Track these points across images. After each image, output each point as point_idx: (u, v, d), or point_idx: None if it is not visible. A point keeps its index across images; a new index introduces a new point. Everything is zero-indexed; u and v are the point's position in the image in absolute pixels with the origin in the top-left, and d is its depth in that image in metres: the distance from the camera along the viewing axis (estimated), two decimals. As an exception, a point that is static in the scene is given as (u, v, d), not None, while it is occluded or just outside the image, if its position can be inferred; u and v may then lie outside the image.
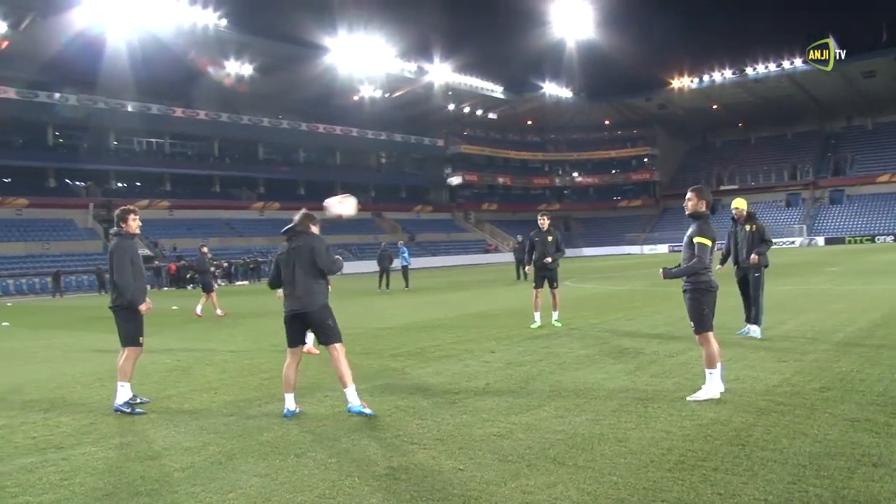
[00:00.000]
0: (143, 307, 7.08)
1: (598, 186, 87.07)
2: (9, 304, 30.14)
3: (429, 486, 4.29)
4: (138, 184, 55.37)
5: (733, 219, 10.21)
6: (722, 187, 76.38)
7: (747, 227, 9.97)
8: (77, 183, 52.57)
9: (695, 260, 6.22)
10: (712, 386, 6.17)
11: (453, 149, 79.53)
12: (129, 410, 6.79)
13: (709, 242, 6.24)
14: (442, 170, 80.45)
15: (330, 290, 7.03)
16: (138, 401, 7.07)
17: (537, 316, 12.21)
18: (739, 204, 10.24)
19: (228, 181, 60.78)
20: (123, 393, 6.91)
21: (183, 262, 41.68)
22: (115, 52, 44.87)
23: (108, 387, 7.98)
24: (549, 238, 12.35)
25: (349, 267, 51.03)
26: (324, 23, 54.06)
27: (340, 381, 6.23)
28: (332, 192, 49.35)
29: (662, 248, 67.87)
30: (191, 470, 4.88)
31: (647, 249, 72.03)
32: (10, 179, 49.34)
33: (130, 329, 7.11)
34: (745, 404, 5.90)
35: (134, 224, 7.26)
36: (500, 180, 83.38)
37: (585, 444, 4.97)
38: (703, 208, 6.39)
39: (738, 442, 4.86)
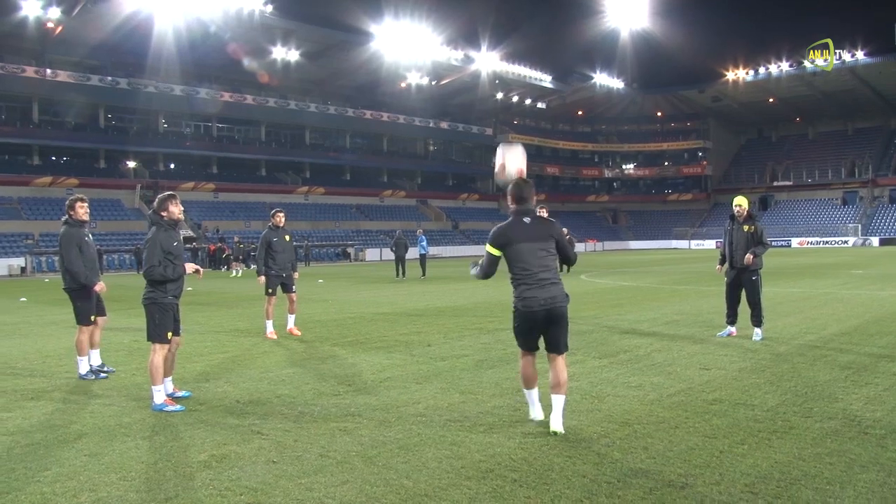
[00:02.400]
0: (98, 287, 7.56)
1: (648, 179, 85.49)
2: (46, 279, 31.37)
3: (227, 476, 4.36)
4: (185, 166, 56.77)
5: (732, 216, 9.71)
6: (776, 183, 74.17)
7: (745, 228, 9.48)
8: (127, 164, 54.22)
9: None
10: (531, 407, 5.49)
11: (502, 138, 78.68)
12: (93, 377, 7.42)
13: (492, 251, 5.27)
14: (490, 158, 79.86)
15: (188, 288, 7.01)
16: (105, 369, 7.71)
17: None
18: (741, 202, 9.70)
19: (274, 165, 61.76)
20: (84, 364, 7.50)
21: (220, 244, 42.60)
22: (164, 36, 46.01)
23: (46, 364, 8.34)
24: None
25: (387, 254, 51.54)
26: (370, 9, 54.42)
27: (150, 378, 6.22)
28: (378, 179, 49.26)
29: (710, 244, 66.15)
30: (32, 447, 5.06)
31: (694, 245, 70.44)
32: (62, 159, 51.34)
33: (83, 308, 7.61)
34: (620, 414, 5.74)
35: (82, 211, 7.68)
36: (549, 170, 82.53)
37: (417, 447, 4.91)
38: (512, 204, 5.37)
39: (567, 454, 4.72)
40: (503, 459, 4.60)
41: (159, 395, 6.12)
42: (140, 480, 4.31)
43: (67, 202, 7.75)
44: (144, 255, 6.26)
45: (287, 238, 10.81)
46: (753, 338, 9.33)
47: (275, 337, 10.43)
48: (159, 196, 6.52)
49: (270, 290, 10.62)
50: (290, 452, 4.78)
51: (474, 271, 5.48)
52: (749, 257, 9.30)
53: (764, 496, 3.96)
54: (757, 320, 9.41)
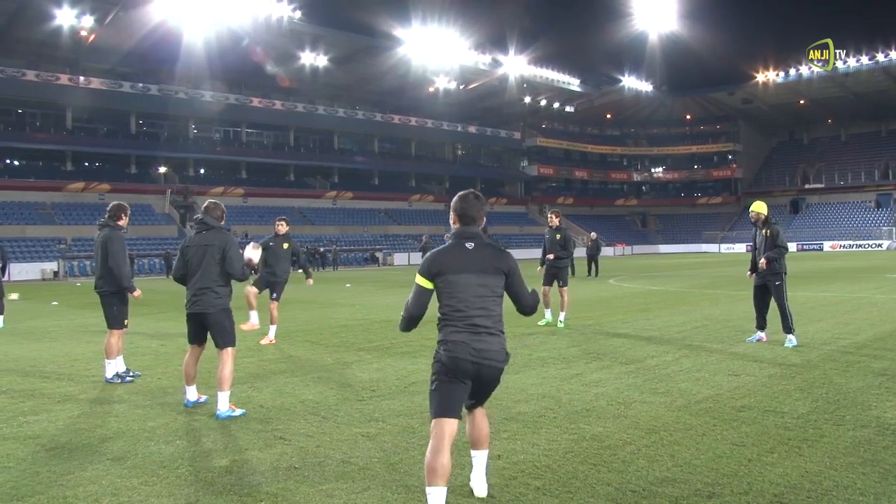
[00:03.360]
0: (137, 293, 7.67)
1: (677, 182, 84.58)
2: (78, 283, 31.89)
3: (248, 482, 4.36)
4: (215, 171, 57.37)
5: (753, 223, 9.73)
6: (807, 186, 72.99)
7: (764, 232, 9.50)
8: (157, 169, 54.98)
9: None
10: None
11: (530, 142, 78.75)
12: (119, 381, 7.49)
13: (423, 283, 3.89)
14: (518, 163, 79.88)
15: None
16: (130, 374, 7.74)
17: (547, 313, 12.26)
18: (755, 207, 9.68)
19: (303, 170, 62.21)
20: (111, 368, 7.57)
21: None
22: (193, 43, 46.55)
23: (74, 367, 8.46)
24: (558, 236, 12.39)
25: (415, 258, 51.69)
26: (397, 14, 54.56)
27: (219, 384, 6.07)
28: (406, 183, 49.58)
29: (740, 248, 65.25)
30: (57, 450, 5.11)
31: (724, 248, 69.58)
32: (95, 165, 52.25)
33: (119, 313, 7.73)
34: (646, 420, 5.65)
35: (127, 220, 7.89)
36: (578, 174, 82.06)
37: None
38: (454, 224, 4.03)
39: (592, 462, 4.66)
40: (527, 467, 4.55)
41: (224, 403, 6.00)
42: (162, 485, 4.32)
43: (113, 206, 7.83)
44: (230, 258, 6.15)
45: (285, 246, 10.77)
46: (786, 344, 9.14)
47: (246, 328, 10.70)
48: (215, 204, 6.43)
49: (254, 283, 10.64)
50: (312, 458, 4.77)
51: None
52: (762, 261, 9.27)
53: (794, 507, 3.86)
54: (786, 327, 9.25)
